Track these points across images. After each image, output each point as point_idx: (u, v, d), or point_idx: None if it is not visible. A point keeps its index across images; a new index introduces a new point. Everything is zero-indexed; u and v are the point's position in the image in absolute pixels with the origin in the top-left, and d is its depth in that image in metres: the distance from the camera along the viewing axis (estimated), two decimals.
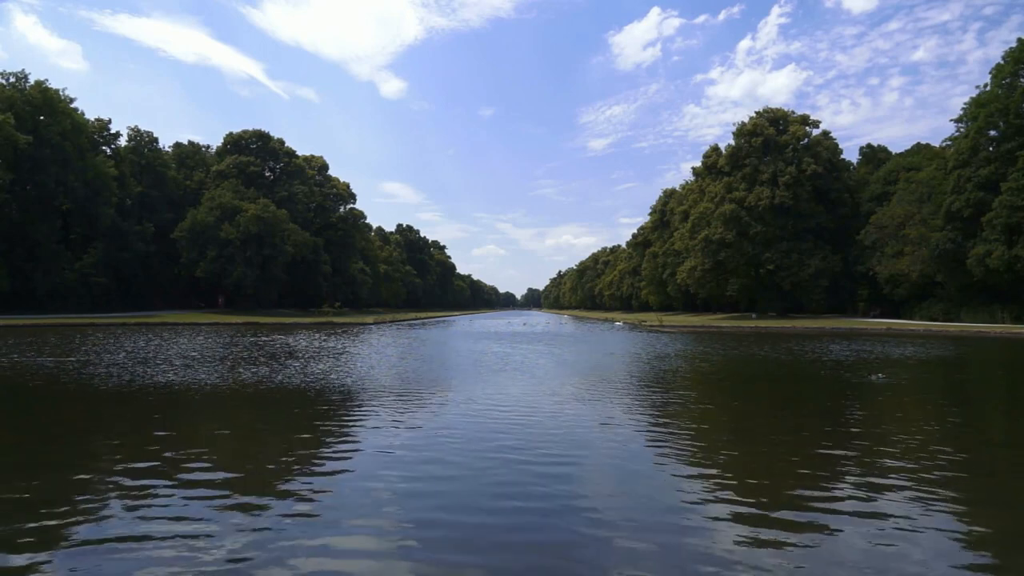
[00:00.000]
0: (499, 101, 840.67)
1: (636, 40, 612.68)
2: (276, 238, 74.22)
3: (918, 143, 68.23)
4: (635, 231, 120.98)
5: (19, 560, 4.52)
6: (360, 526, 5.25)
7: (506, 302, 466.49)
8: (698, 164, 78.39)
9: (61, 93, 60.36)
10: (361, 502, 5.84)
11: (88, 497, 5.96)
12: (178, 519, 5.35)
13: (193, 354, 21.41)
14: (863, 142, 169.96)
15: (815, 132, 68.01)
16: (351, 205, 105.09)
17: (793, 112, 69.50)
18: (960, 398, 14.01)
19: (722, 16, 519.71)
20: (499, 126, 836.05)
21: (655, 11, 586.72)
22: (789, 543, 4.91)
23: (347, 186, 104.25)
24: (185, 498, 5.91)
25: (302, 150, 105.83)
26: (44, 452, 7.89)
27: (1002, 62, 47.17)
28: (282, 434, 9.09)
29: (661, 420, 10.15)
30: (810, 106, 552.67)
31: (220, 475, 6.81)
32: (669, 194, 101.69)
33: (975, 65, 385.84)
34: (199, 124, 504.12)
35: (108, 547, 4.77)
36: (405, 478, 6.59)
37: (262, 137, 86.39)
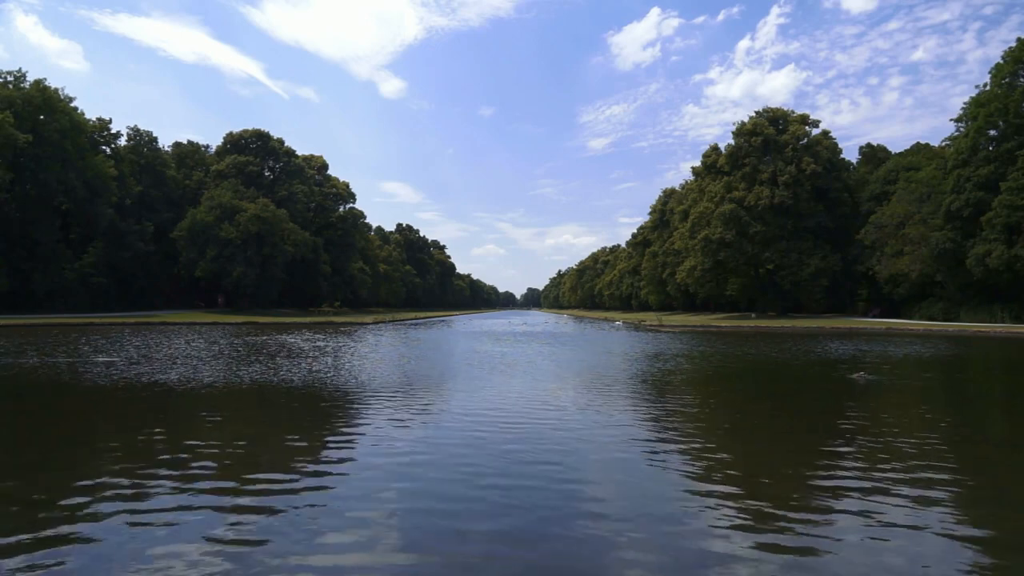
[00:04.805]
0: (499, 101, 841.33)
1: (635, 40, 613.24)
2: (276, 238, 74.21)
3: (918, 143, 68.32)
4: (635, 231, 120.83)
5: (18, 561, 4.52)
6: (357, 526, 5.24)
7: (506, 302, 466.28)
8: (698, 164, 78.34)
9: (60, 92, 60.26)
10: (359, 502, 5.84)
11: (88, 497, 5.95)
12: (177, 520, 5.34)
13: (193, 353, 21.41)
14: (863, 142, 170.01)
15: (815, 131, 67.95)
16: (351, 205, 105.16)
17: (793, 111, 69.44)
18: (958, 397, 14.00)
19: (721, 16, 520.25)
20: (499, 126, 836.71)
21: (655, 11, 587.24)
22: (788, 544, 4.91)
23: (347, 186, 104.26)
24: (185, 498, 5.91)
25: (302, 150, 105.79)
26: (47, 451, 7.88)
27: (1001, 62, 47.21)
28: (282, 436, 9.07)
29: (659, 420, 10.13)
30: (809, 106, 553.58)
31: (219, 476, 6.80)
32: (669, 194, 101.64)
33: (975, 65, 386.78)
34: (199, 124, 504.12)
35: (108, 547, 4.77)
36: (403, 478, 6.58)
37: (262, 137, 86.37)
